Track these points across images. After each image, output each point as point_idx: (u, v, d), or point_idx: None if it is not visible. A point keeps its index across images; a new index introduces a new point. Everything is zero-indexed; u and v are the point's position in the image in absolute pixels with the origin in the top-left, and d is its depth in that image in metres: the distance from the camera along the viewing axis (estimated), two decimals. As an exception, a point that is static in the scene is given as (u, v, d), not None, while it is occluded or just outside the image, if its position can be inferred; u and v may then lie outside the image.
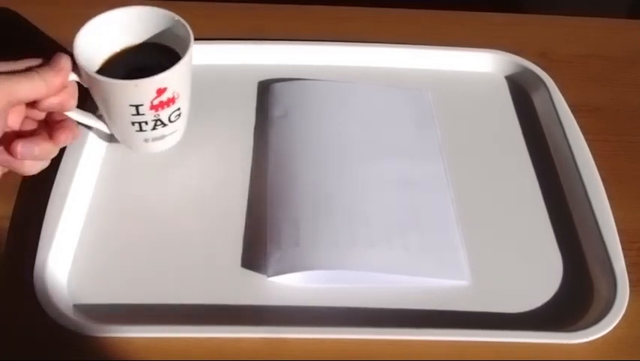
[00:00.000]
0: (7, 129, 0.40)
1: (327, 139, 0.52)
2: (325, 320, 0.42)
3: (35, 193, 0.48)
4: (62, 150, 0.49)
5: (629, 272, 0.44)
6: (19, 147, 0.39)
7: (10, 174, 0.50)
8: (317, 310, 0.43)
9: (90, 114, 0.47)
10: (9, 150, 0.40)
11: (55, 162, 0.48)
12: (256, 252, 0.45)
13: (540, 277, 0.45)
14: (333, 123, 0.53)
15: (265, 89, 0.57)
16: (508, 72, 0.61)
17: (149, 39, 0.47)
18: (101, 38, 0.45)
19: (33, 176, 0.50)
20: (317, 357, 0.40)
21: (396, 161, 0.51)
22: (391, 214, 0.47)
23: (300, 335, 0.41)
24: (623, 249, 0.45)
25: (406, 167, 0.50)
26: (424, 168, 0.51)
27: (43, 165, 0.43)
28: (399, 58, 0.60)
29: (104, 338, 0.41)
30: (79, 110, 0.46)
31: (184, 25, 0.45)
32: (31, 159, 0.41)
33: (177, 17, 0.46)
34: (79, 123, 0.47)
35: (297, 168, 0.49)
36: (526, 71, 0.59)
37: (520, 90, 0.59)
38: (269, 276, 0.43)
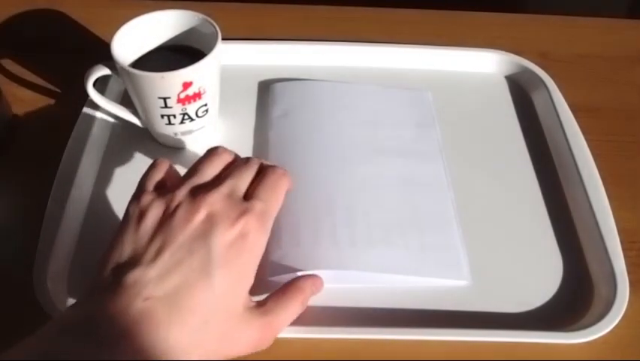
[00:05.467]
0: None
1: (327, 139, 0.52)
2: (325, 320, 0.42)
3: (35, 193, 0.48)
4: (62, 150, 0.50)
5: (629, 272, 0.44)
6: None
7: (10, 173, 0.50)
8: (317, 310, 0.43)
9: (126, 109, 0.52)
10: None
11: (55, 162, 0.49)
12: (256, 252, 0.45)
13: (540, 277, 0.45)
14: (333, 123, 0.53)
15: (265, 89, 0.57)
16: (508, 72, 0.61)
17: (180, 41, 0.50)
18: (136, 38, 0.49)
19: (33, 176, 0.50)
20: (317, 357, 0.40)
21: (397, 161, 0.50)
22: (391, 214, 0.47)
23: (300, 334, 0.41)
24: (623, 249, 0.45)
25: (406, 167, 0.50)
26: (424, 168, 0.51)
27: None
28: (399, 58, 0.60)
29: (104, 338, 0.40)
30: (117, 105, 0.52)
31: (212, 26, 0.48)
32: None
33: (207, 19, 0.49)
34: (116, 117, 0.53)
35: (298, 169, 0.49)
36: (526, 71, 0.59)
37: (520, 90, 0.59)
38: (269, 276, 0.43)
